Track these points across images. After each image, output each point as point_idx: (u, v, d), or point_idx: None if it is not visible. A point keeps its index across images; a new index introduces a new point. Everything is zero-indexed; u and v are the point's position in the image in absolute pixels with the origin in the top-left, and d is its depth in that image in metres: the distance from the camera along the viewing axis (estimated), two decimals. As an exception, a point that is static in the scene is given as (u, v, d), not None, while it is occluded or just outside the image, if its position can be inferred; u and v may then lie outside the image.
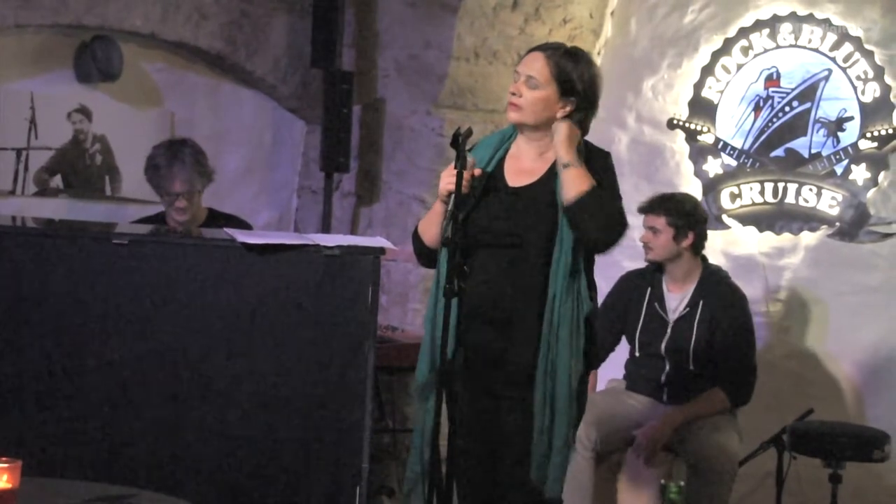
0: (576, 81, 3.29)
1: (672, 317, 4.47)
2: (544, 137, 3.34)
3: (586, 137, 3.38)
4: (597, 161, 3.33)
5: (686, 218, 4.46)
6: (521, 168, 3.35)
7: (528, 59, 3.35)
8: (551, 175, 3.29)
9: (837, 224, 5.13)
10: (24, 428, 3.24)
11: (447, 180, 3.25)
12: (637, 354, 4.53)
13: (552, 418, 3.22)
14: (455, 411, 3.16)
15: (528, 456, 3.24)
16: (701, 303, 4.43)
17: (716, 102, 5.42)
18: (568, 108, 3.30)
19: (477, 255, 3.27)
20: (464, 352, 3.25)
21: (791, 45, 5.27)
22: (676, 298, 4.49)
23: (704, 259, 4.56)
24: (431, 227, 3.35)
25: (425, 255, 3.43)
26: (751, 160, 5.31)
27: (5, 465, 2.45)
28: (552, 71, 3.28)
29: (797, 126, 5.23)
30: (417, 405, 3.38)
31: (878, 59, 5.06)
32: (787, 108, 5.26)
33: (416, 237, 3.45)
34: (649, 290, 4.53)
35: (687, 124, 5.46)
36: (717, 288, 4.47)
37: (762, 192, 5.28)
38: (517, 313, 3.24)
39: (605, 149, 3.44)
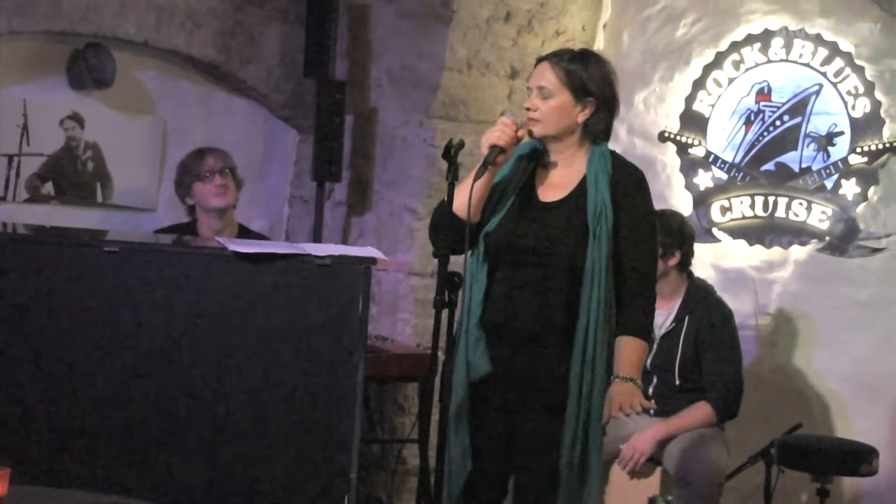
0: (587, 82, 3.27)
1: (658, 333, 4.48)
2: (569, 147, 3.32)
3: (613, 148, 3.39)
4: (628, 183, 3.30)
5: (673, 236, 4.46)
6: (551, 182, 3.32)
7: (536, 71, 3.32)
8: (581, 191, 3.27)
9: (827, 238, 5.14)
10: (12, 435, 3.24)
11: (495, 135, 3.18)
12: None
13: (585, 440, 3.21)
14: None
15: (554, 475, 3.22)
16: (686, 318, 4.44)
17: (707, 116, 5.44)
18: (588, 111, 3.28)
19: (503, 269, 3.25)
20: (490, 368, 3.23)
21: (782, 60, 5.29)
22: (662, 314, 4.49)
23: (690, 274, 4.57)
24: (461, 195, 3.18)
25: (445, 231, 3.19)
26: (741, 174, 5.33)
27: (-6, 473, 2.45)
28: (561, 77, 3.26)
29: (788, 140, 5.25)
30: (456, 429, 3.26)
31: (868, 74, 5.08)
32: (777, 123, 5.28)
33: (441, 209, 3.26)
34: (636, 307, 4.53)
35: (678, 137, 5.48)
36: (702, 303, 4.48)
37: (752, 206, 5.30)
38: (544, 329, 3.21)
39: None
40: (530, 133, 3.27)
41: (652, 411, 4.42)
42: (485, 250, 3.28)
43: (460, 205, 3.18)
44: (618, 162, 3.34)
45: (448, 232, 3.19)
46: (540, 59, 3.36)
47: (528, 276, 3.23)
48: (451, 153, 3.18)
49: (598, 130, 3.33)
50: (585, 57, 3.34)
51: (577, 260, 3.19)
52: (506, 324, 3.23)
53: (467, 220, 3.14)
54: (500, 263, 3.26)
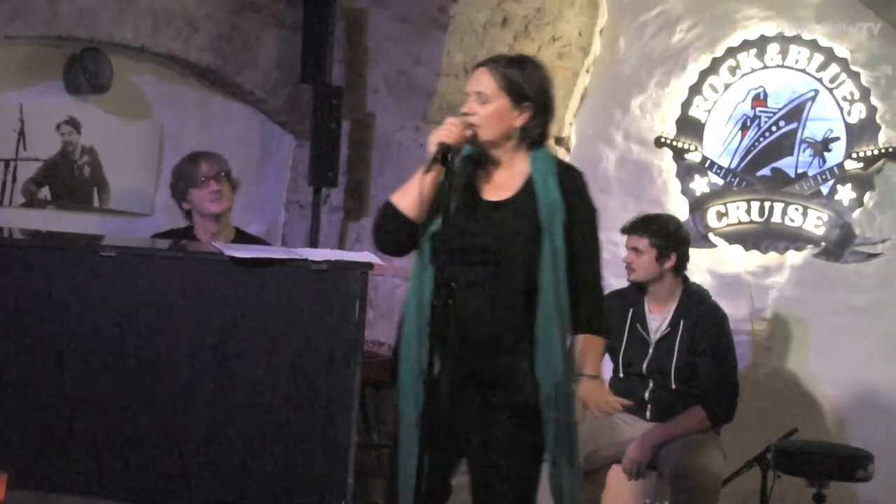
0: (525, 87, 3.27)
1: (654, 337, 4.49)
2: (507, 152, 3.31)
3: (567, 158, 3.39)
4: (575, 184, 3.32)
5: (669, 239, 4.47)
6: (494, 183, 3.31)
7: (473, 76, 3.32)
8: (527, 191, 3.27)
9: (823, 244, 5.15)
10: (9, 440, 3.24)
11: (443, 133, 3.18)
12: (621, 375, 4.55)
13: (567, 435, 3.21)
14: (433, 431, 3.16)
15: (533, 477, 3.22)
16: (682, 322, 4.44)
17: (703, 121, 5.45)
18: (525, 115, 3.28)
19: (452, 269, 3.20)
20: (448, 372, 3.22)
21: (778, 66, 5.30)
22: (658, 319, 4.50)
23: (686, 278, 4.58)
24: (408, 194, 3.22)
25: (392, 231, 3.28)
26: (737, 179, 5.34)
27: (-9, 478, 2.45)
28: (499, 82, 3.25)
29: (784, 146, 5.26)
30: (408, 425, 3.22)
31: (864, 80, 5.10)
32: (773, 128, 5.29)
33: (388, 208, 3.29)
34: (631, 310, 4.54)
35: (674, 142, 5.49)
36: (697, 307, 4.48)
37: (748, 211, 5.31)
38: (500, 327, 3.21)
39: (581, 168, 3.44)
40: (472, 139, 3.27)
41: (649, 415, 4.44)
42: (431, 251, 3.25)
43: (407, 204, 3.21)
44: (561, 163, 3.38)
45: (394, 231, 3.25)
46: (477, 65, 3.36)
47: (480, 275, 3.22)
48: (447, 159, 3.18)
49: (534, 135, 3.33)
50: (522, 62, 3.35)
51: (530, 258, 3.20)
52: (460, 324, 3.18)
53: (413, 218, 3.17)
54: (448, 263, 3.24)
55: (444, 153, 3.16)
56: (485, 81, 3.27)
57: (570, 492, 3.23)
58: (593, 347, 3.28)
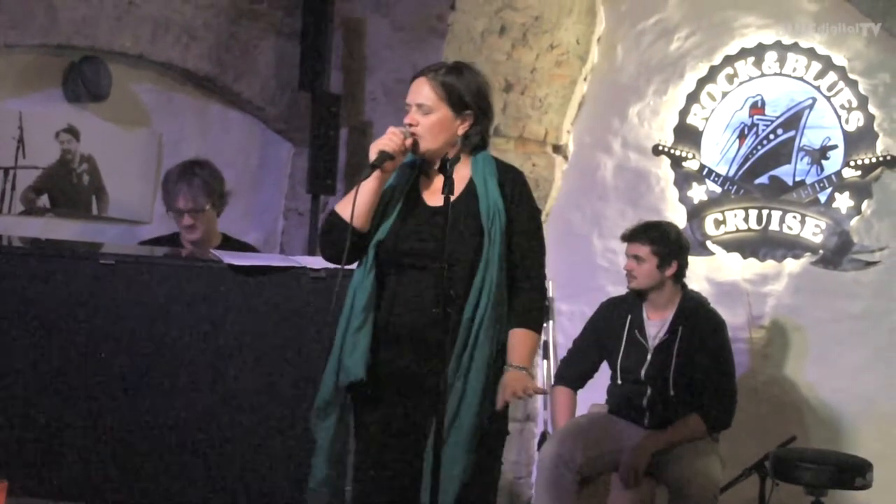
0: (465, 95, 3.28)
1: (652, 343, 4.49)
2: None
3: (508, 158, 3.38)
4: (515, 185, 3.32)
5: (670, 246, 4.48)
6: (436, 188, 3.28)
7: (413, 87, 3.32)
8: (469, 194, 3.28)
9: (821, 252, 5.16)
10: (8, 446, 3.24)
11: (383, 141, 3.19)
12: (619, 381, 4.55)
13: (460, 429, 3.16)
14: (362, 432, 3.16)
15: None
16: (680, 329, 4.44)
17: (701, 129, 5.45)
18: (467, 123, 3.29)
19: (396, 274, 3.24)
20: (380, 373, 3.21)
21: (776, 74, 5.31)
22: (656, 325, 4.51)
23: (685, 286, 4.58)
24: (351, 203, 3.19)
25: (336, 239, 3.23)
26: (735, 187, 5.34)
27: (-10, 485, 2.45)
28: (439, 92, 3.26)
29: (781, 154, 5.27)
30: (316, 424, 3.22)
31: (862, 88, 5.10)
32: (771, 136, 5.30)
33: (332, 217, 3.28)
34: (629, 317, 4.54)
35: (672, 151, 5.49)
36: (695, 314, 4.49)
37: (746, 219, 5.31)
38: (439, 335, 3.14)
39: (521, 168, 3.44)
40: (414, 148, 3.27)
41: (647, 421, 4.44)
42: (374, 257, 3.26)
43: (350, 213, 3.19)
44: (501, 165, 3.38)
45: (338, 240, 3.21)
46: (415, 76, 3.36)
47: (426, 279, 3.21)
48: (446, 167, 3.18)
49: (475, 142, 3.35)
50: (460, 70, 3.35)
51: (472, 261, 3.21)
52: (409, 328, 3.20)
53: (351, 223, 3.16)
54: (391, 269, 3.25)
55: (383, 161, 3.18)
56: (425, 93, 3.27)
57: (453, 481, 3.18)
58: (524, 341, 3.27)
